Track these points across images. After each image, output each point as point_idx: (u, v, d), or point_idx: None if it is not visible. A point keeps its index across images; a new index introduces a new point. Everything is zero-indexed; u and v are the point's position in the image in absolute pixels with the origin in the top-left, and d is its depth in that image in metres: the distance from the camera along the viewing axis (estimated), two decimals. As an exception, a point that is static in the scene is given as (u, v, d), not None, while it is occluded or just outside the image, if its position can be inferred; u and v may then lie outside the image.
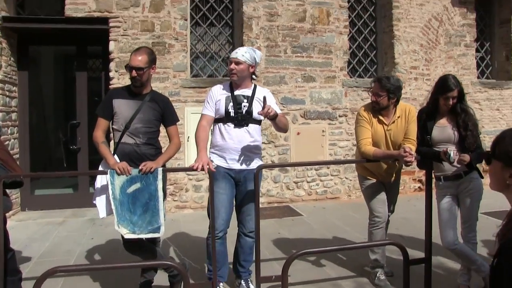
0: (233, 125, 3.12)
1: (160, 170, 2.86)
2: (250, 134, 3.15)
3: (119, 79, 5.73)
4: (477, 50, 7.81)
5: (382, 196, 3.44)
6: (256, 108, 3.12)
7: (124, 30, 5.75)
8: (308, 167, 6.52)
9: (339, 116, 6.70)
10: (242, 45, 6.18)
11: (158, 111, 3.09)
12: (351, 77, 6.93)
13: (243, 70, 3.11)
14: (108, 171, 2.80)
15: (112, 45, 5.74)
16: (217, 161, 3.13)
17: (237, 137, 3.12)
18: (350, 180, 6.74)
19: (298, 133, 6.52)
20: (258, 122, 3.20)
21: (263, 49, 6.26)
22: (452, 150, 2.96)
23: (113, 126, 3.07)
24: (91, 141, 3.25)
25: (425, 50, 7.17)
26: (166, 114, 3.14)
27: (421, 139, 3.28)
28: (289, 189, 6.46)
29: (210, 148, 3.24)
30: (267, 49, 6.31)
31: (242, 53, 3.11)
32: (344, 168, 6.74)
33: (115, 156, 2.96)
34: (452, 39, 7.35)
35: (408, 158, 2.97)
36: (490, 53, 8.14)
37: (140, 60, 2.97)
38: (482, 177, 3.21)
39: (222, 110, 3.12)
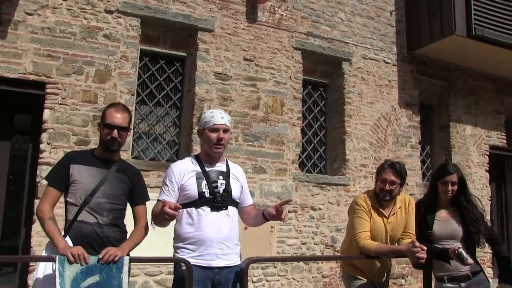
0: (209, 209, 2.69)
1: (126, 259, 2.44)
2: (230, 219, 2.77)
3: (51, 152, 5.28)
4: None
5: None
6: (235, 187, 2.81)
7: (63, 99, 5.41)
8: (254, 265, 6.30)
9: (289, 211, 6.67)
10: (190, 129, 6.13)
11: (127, 185, 2.73)
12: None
13: (228, 140, 2.89)
14: (56, 257, 2.32)
15: (47, 114, 5.33)
16: (189, 259, 2.63)
17: (215, 225, 2.69)
18: (298, 281, 6.57)
19: (245, 228, 6.30)
20: (236, 204, 2.86)
21: (213, 134, 6.23)
22: (461, 248, 2.95)
23: (67, 199, 2.65)
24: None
25: (374, 148, 7.61)
26: (135, 189, 2.78)
27: (420, 234, 3.22)
28: None
29: (176, 242, 2.77)
30: (218, 135, 6.28)
31: (228, 119, 2.83)
32: (292, 268, 6.58)
33: (67, 238, 2.51)
34: (399, 139, 7.92)
35: (421, 254, 2.84)
36: (430, 156, 8.88)
37: (123, 118, 2.66)
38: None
39: (193, 191, 2.69)
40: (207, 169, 2.80)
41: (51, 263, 2.41)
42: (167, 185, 2.75)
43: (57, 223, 2.54)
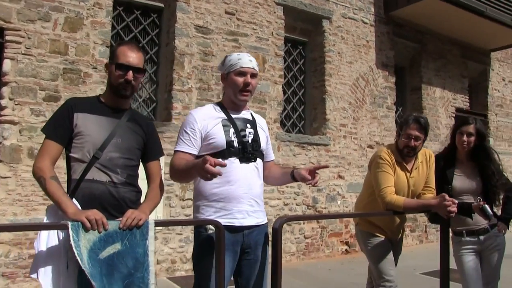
0: (238, 161, 2.30)
1: (152, 223, 2.00)
2: (259, 172, 2.40)
3: (15, 109, 4.65)
4: (392, 114, 8.45)
5: (391, 256, 3.05)
6: (262, 137, 2.44)
7: (27, 48, 4.74)
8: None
9: (270, 172, 6.42)
10: (170, 85, 5.67)
11: (141, 137, 2.26)
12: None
13: (256, 87, 2.45)
14: (69, 224, 1.82)
15: (7, 65, 4.64)
16: (217, 219, 2.21)
17: (246, 178, 2.30)
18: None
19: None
20: (263, 156, 2.48)
21: (194, 91, 5.77)
22: (485, 203, 2.79)
23: (71, 154, 2.12)
24: None
25: (353, 108, 7.44)
26: (150, 142, 2.30)
27: (439, 189, 3.04)
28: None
29: (198, 200, 2.34)
30: (199, 92, 5.83)
31: (256, 63, 2.41)
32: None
33: (74, 201, 2.02)
34: (376, 100, 7.80)
35: (453, 208, 2.63)
36: (402, 117, 8.85)
37: (138, 58, 2.17)
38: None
39: (221, 140, 2.28)
40: (233, 116, 2.40)
41: (55, 232, 1.94)
42: (188, 134, 2.31)
43: (60, 183, 2.04)
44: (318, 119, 7.18)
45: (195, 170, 2.04)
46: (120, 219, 1.97)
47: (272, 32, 6.56)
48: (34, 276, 1.94)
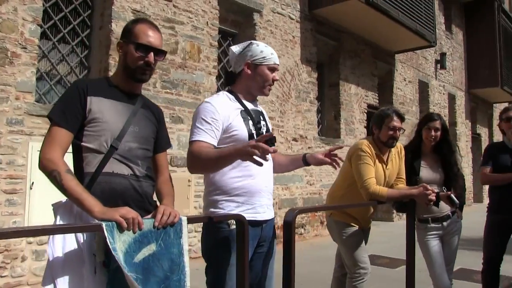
0: None
1: (184, 220, 1.84)
2: (271, 166, 2.39)
3: None
4: (312, 108, 8.86)
5: (364, 244, 3.26)
6: (271, 129, 2.43)
7: None
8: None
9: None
10: (105, 71, 5.38)
11: (155, 125, 2.10)
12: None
13: None
14: (103, 225, 1.61)
15: None
16: (241, 214, 2.14)
17: (265, 172, 2.25)
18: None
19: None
20: None
21: (131, 79, 5.55)
22: (452, 193, 3.09)
23: (84, 144, 1.88)
24: None
25: (280, 101, 7.67)
26: (160, 132, 2.13)
27: (408, 179, 3.32)
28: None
29: (216, 195, 2.22)
30: (136, 79, 5.61)
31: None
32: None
33: None
34: (300, 94, 8.12)
35: (432, 196, 2.90)
36: (320, 112, 9.33)
37: (159, 38, 2.00)
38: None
39: (243, 132, 2.19)
40: (248, 107, 2.32)
41: (72, 235, 1.74)
42: (209, 123, 2.15)
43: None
44: (248, 111, 7.29)
45: (238, 153, 1.90)
46: (148, 216, 1.81)
47: (207, 22, 6.52)
48: (48, 285, 1.72)
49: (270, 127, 2.48)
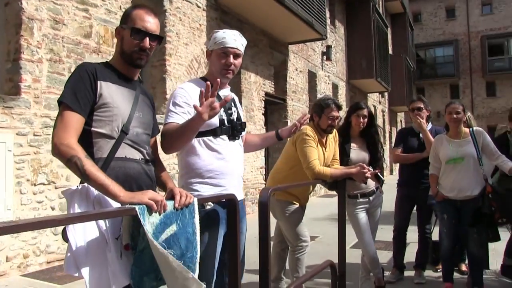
0: (227, 138, 2.47)
1: (195, 200, 1.98)
2: (242, 149, 2.62)
3: None
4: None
5: (303, 220, 3.72)
6: (241, 114, 2.62)
7: None
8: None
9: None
10: (16, 53, 5.12)
11: (152, 111, 2.20)
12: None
13: (239, 66, 2.58)
14: (136, 208, 1.70)
15: None
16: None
17: (234, 155, 2.49)
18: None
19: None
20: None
21: (45, 63, 5.31)
22: (378, 172, 3.66)
23: (94, 129, 1.92)
24: None
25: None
26: (154, 117, 2.24)
27: (340, 160, 3.82)
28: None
29: (190, 178, 2.40)
30: (50, 64, 5.37)
31: (242, 42, 2.52)
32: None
33: None
34: (207, 82, 8.38)
35: (368, 174, 3.43)
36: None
37: (156, 24, 2.05)
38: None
39: (214, 118, 2.26)
40: (220, 94, 2.50)
41: (93, 223, 1.80)
42: (182, 107, 2.33)
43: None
44: (157, 99, 7.35)
45: (196, 117, 2.06)
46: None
47: (120, 6, 6.44)
48: (73, 272, 1.77)
49: (242, 112, 2.69)
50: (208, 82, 2.10)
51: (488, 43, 30.09)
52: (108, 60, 2.14)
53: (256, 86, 10.18)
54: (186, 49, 7.83)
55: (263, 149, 10.02)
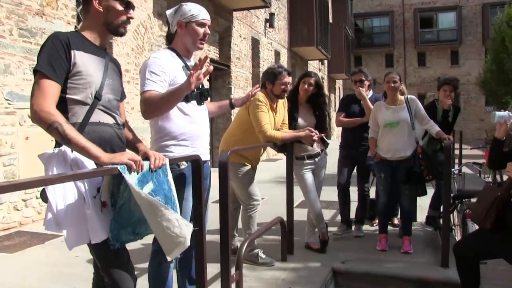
0: (196, 104, 2.70)
1: (167, 160, 2.19)
2: (207, 113, 2.88)
3: None
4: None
5: (255, 180, 4.01)
6: (205, 83, 2.92)
7: None
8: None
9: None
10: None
11: (120, 78, 2.35)
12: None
13: None
14: (119, 167, 1.89)
15: None
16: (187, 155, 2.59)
17: (203, 119, 2.75)
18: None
19: (27, 138, 5.71)
20: None
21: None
22: (324, 134, 4.03)
23: (69, 96, 2.03)
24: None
25: (135, 54, 7.83)
26: (122, 84, 2.38)
27: (288, 124, 4.13)
28: (17, 210, 5.53)
29: (165, 141, 2.63)
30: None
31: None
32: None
33: None
34: (153, 47, 8.35)
35: (315, 137, 3.79)
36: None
37: None
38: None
39: None
40: (187, 63, 2.74)
41: (71, 184, 1.95)
42: (158, 75, 2.51)
43: None
44: (104, 63, 7.31)
45: (183, 86, 2.30)
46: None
47: (64, -33, 6.28)
48: (53, 230, 1.93)
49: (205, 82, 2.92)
50: (201, 57, 2.29)
51: (420, 16, 31.43)
52: (77, 30, 2.24)
53: (201, 52, 10.24)
54: (132, 13, 7.75)
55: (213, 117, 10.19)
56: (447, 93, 4.88)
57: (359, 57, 32.78)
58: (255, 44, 14.11)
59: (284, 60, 17.06)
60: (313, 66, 21.74)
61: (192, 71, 2.27)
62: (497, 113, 3.07)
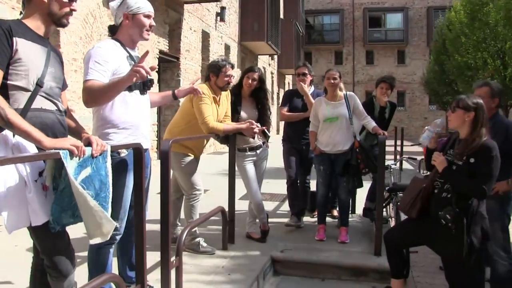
0: (139, 93, 2.80)
1: (109, 147, 2.30)
2: (149, 103, 2.99)
3: None
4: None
5: (198, 170, 4.12)
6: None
7: None
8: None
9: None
10: None
11: (62, 67, 2.41)
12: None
13: None
14: (60, 152, 1.98)
15: None
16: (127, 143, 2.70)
17: (145, 108, 2.87)
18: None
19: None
20: None
21: None
22: (266, 128, 4.21)
23: (10, 82, 2.08)
24: None
25: (83, 43, 7.70)
26: (63, 72, 2.45)
27: (231, 117, 4.26)
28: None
29: (106, 128, 2.72)
30: None
31: None
32: None
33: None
34: (101, 37, 8.23)
35: (256, 129, 3.95)
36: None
37: None
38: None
39: None
40: (132, 54, 2.83)
41: (12, 167, 2.01)
42: (101, 65, 2.59)
43: None
44: (48, 51, 7.15)
45: (126, 77, 2.44)
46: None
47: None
48: None
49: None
50: (148, 50, 2.43)
51: (369, 15, 32.38)
52: (19, 19, 2.27)
53: (151, 43, 10.17)
54: (81, 2, 7.60)
55: (156, 107, 10.17)
56: (383, 91, 5.13)
57: (309, 53, 33.37)
58: (205, 37, 14.12)
59: (234, 54, 17.16)
60: (263, 60, 21.97)
61: (134, 66, 2.38)
62: (421, 138, 3.28)
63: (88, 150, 2.17)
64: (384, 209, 5.24)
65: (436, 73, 21.73)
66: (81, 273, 2.71)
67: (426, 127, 3.02)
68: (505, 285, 3.69)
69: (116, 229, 2.59)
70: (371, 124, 4.57)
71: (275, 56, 24.19)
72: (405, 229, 3.45)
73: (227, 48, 16.46)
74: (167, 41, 11.14)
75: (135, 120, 2.79)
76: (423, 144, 3.08)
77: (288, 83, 30.29)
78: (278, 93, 25.93)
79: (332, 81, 4.57)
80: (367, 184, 5.23)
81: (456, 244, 2.92)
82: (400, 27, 32.20)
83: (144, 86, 2.84)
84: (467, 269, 3.06)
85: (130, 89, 2.72)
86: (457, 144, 3.08)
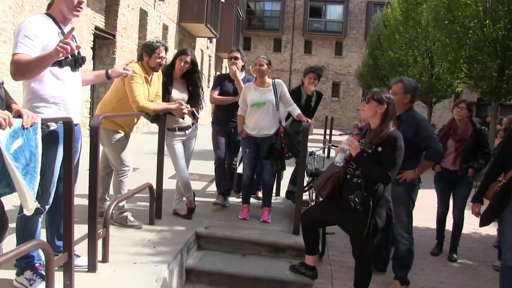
0: (69, 69, 2.88)
1: (39, 119, 2.44)
2: (81, 79, 3.08)
3: None
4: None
5: (127, 147, 4.28)
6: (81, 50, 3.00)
7: None
8: None
9: None
10: None
11: None
12: None
13: None
14: None
15: None
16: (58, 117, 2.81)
17: (76, 84, 2.97)
18: None
19: None
20: None
21: None
22: (195, 110, 4.43)
23: None
24: None
25: (13, 13, 7.48)
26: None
27: (162, 97, 4.45)
28: None
29: (36, 102, 2.80)
30: None
31: None
32: None
33: None
34: (34, 8, 8.01)
35: (185, 110, 4.17)
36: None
37: None
38: None
39: None
40: (64, 30, 2.89)
41: None
42: (31, 39, 2.64)
43: None
44: (-26, 19, 6.93)
45: (52, 52, 2.51)
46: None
47: None
48: None
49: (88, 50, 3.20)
50: (74, 26, 2.53)
51: (310, 5, 33.14)
52: None
53: (86, 18, 10.01)
54: (9, -31, 7.39)
55: (89, 84, 10.04)
56: (311, 80, 5.49)
57: (248, 38, 33.66)
58: (143, 15, 13.98)
59: (172, 35, 17.08)
60: (201, 43, 21.98)
61: (60, 42, 2.50)
62: (335, 160, 3.59)
63: (18, 122, 2.29)
64: (306, 193, 5.65)
65: (370, 67, 22.78)
66: (10, 242, 2.85)
67: (340, 146, 3.35)
68: (405, 261, 4.23)
69: (44, 199, 2.78)
70: (296, 111, 4.90)
71: (214, 40, 24.23)
72: (320, 210, 3.85)
73: (165, 28, 16.36)
74: (104, 18, 10.98)
75: (65, 95, 2.90)
76: (339, 165, 3.44)
77: (225, 67, 30.42)
78: (214, 76, 26.03)
79: (259, 67, 4.84)
80: (290, 168, 5.60)
81: (361, 224, 3.33)
82: (340, 19, 33.26)
83: (75, 63, 2.95)
84: (368, 246, 3.51)
85: (60, 65, 2.82)
86: (368, 134, 3.49)
